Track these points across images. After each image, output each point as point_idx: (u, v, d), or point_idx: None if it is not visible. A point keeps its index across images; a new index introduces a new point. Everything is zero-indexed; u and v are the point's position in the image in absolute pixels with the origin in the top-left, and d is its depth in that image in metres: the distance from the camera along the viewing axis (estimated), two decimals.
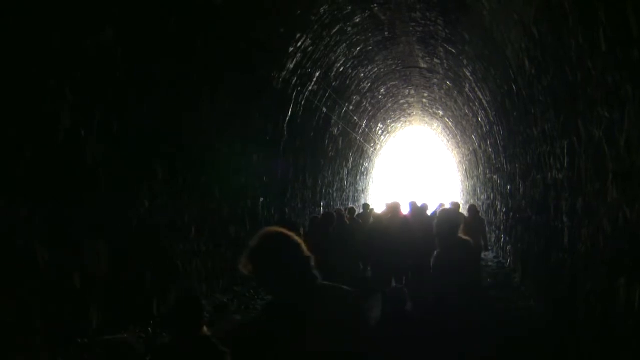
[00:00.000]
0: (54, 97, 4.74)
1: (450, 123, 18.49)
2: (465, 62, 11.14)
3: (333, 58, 11.59)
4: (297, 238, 2.24)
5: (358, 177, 20.96)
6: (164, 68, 6.43)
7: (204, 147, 7.80)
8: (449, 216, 4.81)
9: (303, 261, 2.21)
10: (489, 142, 13.07)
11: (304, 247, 2.24)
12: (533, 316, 7.19)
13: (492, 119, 11.55)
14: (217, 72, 7.72)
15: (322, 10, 9.29)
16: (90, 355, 5.10)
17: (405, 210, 8.72)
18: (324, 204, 14.87)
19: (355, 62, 12.85)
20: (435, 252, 4.65)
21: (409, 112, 20.71)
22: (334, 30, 10.37)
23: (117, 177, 5.75)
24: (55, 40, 4.65)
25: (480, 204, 15.59)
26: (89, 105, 5.21)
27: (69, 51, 4.83)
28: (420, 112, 20.57)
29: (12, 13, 4.16)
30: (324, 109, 13.17)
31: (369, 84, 15.12)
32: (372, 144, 21.24)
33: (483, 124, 12.96)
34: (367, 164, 22.08)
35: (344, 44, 11.36)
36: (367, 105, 16.76)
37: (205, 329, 3.03)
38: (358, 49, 12.08)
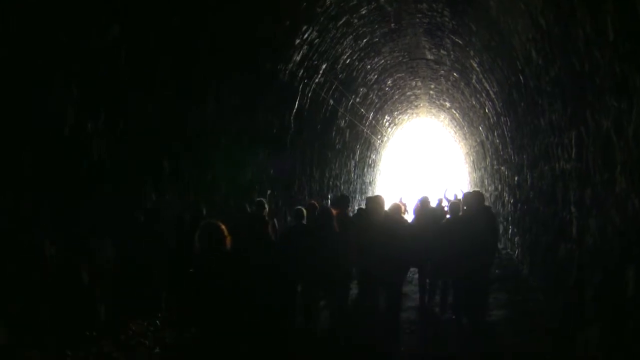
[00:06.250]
0: (59, 93, 4.75)
1: (457, 114, 18.39)
2: (472, 53, 11.07)
3: (339, 50, 11.54)
4: None
5: (365, 169, 20.92)
6: (169, 64, 6.43)
7: (209, 141, 7.80)
8: None
9: None
10: (496, 134, 13.00)
11: None
12: (542, 310, 7.16)
13: (499, 110, 11.48)
14: (222, 66, 7.71)
15: (328, 1, 9.25)
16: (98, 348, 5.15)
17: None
18: (331, 196, 14.87)
19: (362, 54, 12.79)
20: None
21: (415, 103, 20.62)
22: (340, 22, 10.32)
23: (123, 173, 5.78)
24: (62, 37, 4.66)
25: (488, 195, 15.49)
26: (94, 102, 5.22)
27: (74, 48, 4.84)
28: (427, 104, 20.48)
29: (17, 13, 4.17)
30: (331, 101, 13.13)
31: (376, 76, 15.06)
32: (379, 136, 21.18)
33: (490, 115, 12.89)
34: (374, 156, 22.03)
35: (350, 36, 11.30)
36: (374, 97, 16.70)
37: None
38: (364, 40, 12.02)
